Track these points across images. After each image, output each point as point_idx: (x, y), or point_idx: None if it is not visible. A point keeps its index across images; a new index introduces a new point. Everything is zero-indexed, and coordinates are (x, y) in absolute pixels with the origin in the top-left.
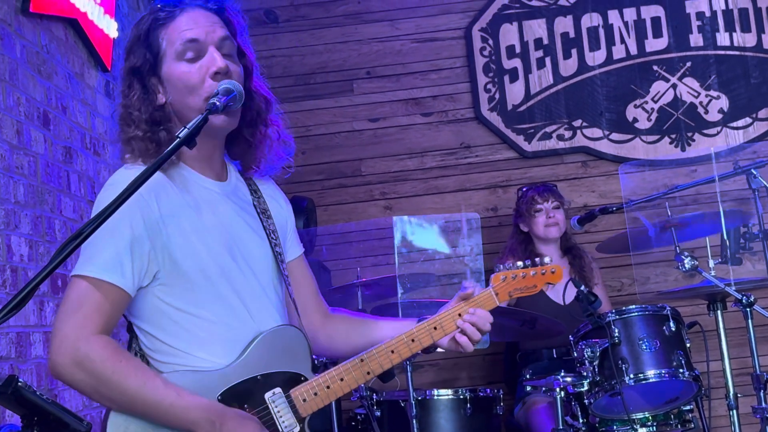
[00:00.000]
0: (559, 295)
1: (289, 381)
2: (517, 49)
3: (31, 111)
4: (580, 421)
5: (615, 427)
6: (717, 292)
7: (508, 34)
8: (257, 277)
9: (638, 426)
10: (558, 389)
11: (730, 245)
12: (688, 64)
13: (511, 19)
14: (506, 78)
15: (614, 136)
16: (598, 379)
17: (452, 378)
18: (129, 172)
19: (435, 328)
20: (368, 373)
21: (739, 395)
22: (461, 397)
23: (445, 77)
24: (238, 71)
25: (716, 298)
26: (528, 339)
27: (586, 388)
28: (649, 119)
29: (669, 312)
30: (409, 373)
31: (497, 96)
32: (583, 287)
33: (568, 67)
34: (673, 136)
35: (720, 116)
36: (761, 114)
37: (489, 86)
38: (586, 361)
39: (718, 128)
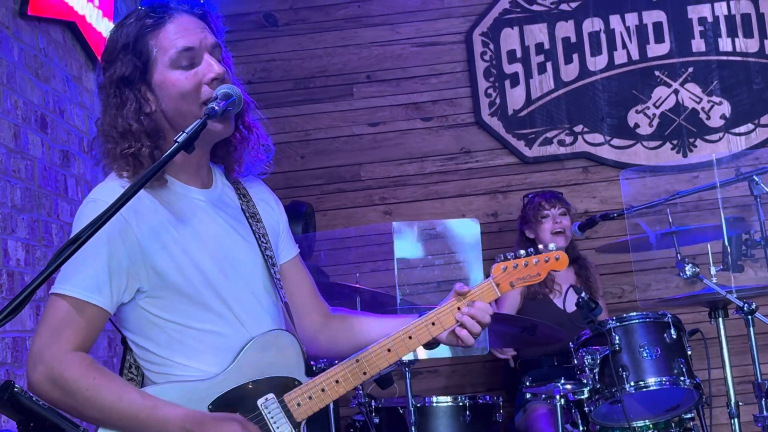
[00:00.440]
0: (561, 303)
1: (282, 386)
2: (518, 54)
3: (28, 114)
4: (580, 428)
5: None
6: (718, 299)
7: (509, 39)
8: (247, 284)
9: None
10: (558, 396)
11: (732, 252)
12: (690, 69)
13: (512, 24)
14: (507, 83)
15: (615, 141)
16: (598, 386)
17: (451, 385)
18: (113, 183)
19: (433, 324)
20: (364, 373)
21: (740, 403)
22: (460, 404)
23: (445, 82)
24: (229, 76)
25: (718, 305)
26: (528, 346)
27: (586, 395)
28: (650, 125)
29: (670, 319)
30: (408, 380)
31: (498, 101)
32: (583, 294)
33: (569, 72)
34: (675, 142)
35: (722, 122)
36: (763, 120)
37: (489, 91)
38: (587, 369)
39: (720, 134)
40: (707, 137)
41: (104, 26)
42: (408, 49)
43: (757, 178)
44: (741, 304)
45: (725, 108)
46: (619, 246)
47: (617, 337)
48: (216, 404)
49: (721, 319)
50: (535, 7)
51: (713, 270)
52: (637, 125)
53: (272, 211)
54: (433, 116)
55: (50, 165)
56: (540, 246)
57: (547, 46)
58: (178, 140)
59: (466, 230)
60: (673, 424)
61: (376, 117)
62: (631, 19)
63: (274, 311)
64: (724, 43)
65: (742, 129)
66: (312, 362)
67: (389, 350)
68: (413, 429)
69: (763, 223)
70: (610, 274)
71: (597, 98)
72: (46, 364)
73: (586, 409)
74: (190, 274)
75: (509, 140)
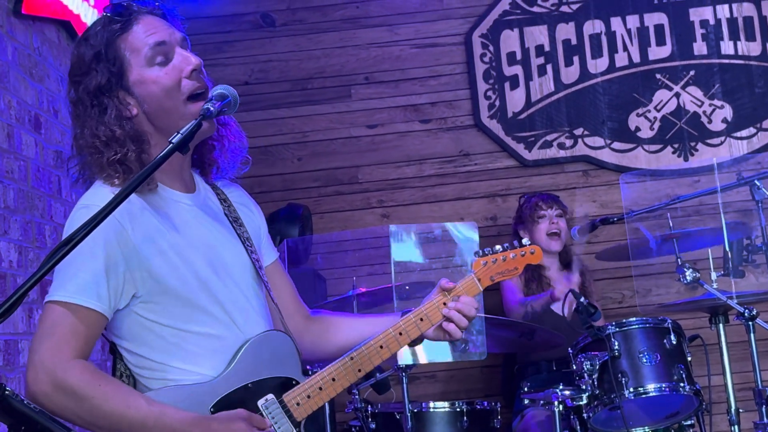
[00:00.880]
0: (558, 307)
1: (281, 386)
2: (518, 56)
3: (22, 114)
4: None
5: None
6: (719, 305)
7: (509, 41)
8: (239, 287)
9: None
10: (556, 402)
11: (733, 257)
12: (692, 72)
13: (512, 26)
14: (507, 85)
15: (616, 145)
16: (597, 392)
17: (449, 390)
18: (104, 189)
19: (421, 319)
20: (359, 370)
21: (740, 410)
22: (458, 409)
23: (444, 84)
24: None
25: (718, 311)
26: (527, 351)
27: (585, 401)
28: (651, 128)
29: (670, 325)
30: (404, 385)
31: (497, 103)
32: (582, 299)
33: (569, 74)
34: (676, 145)
35: (724, 126)
36: (765, 124)
37: (489, 93)
38: (585, 374)
39: (722, 138)
40: (709, 141)
41: None
42: (407, 50)
43: (758, 183)
44: (742, 309)
45: (727, 112)
46: (619, 251)
47: (616, 343)
48: (218, 407)
49: (721, 325)
50: (535, 9)
51: (714, 275)
52: (637, 129)
53: (253, 216)
54: (431, 118)
55: (44, 166)
56: (515, 241)
57: (547, 48)
58: (173, 141)
59: (465, 234)
60: (672, 431)
61: (374, 119)
62: (633, 21)
63: (265, 313)
64: (726, 47)
65: (744, 133)
66: (308, 367)
67: (381, 347)
68: None
69: (765, 228)
70: (610, 279)
71: (597, 101)
72: (49, 374)
73: (584, 415)
74: (186, 278)
75: (509, 143)
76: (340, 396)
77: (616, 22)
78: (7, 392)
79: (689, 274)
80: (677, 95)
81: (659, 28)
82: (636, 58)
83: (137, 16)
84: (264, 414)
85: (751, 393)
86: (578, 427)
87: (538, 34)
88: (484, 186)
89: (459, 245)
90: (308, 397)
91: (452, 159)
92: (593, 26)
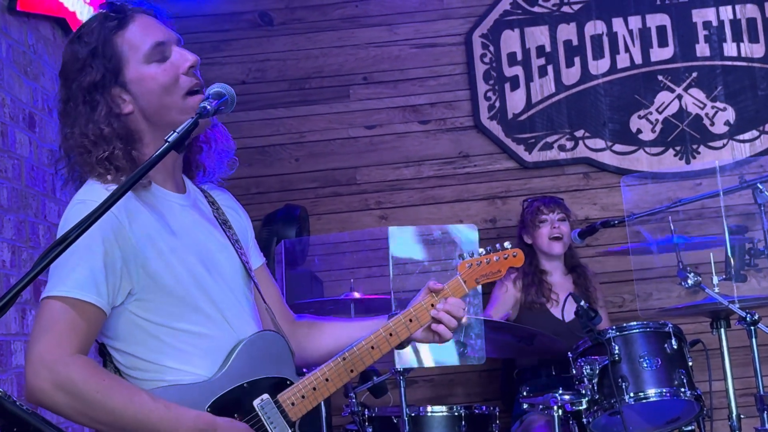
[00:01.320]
0: (559, 312)
1: (276, 386)
2: (519, 57)
3: (16, 112)
4: None
5: None
6: (720, 309)
7: (510, 41)
8: (230, 288)
9: None
10: (556, 407)
11: (735, 262)
12: (694, 74)
13: (512, 26)
14: (507, 86)
15: (617, 147)
16: (597, 397)
17: (447, 394)
18: (99, 186)
19: (410, 321)
20: (352, 371)
21: (742, 416)
22: (456, 414)
23: (444, 84)
24: None
25: (720, 315)
26: (526, 355)
27: (584, 406)
28: (653, 130)
29: (671, 329)
30: (402, 389)
31: (497, 104)
32: (582, 302)
33: (570, 75)
34: (678, 148)
35: (726, 128)
36: None
37: (489, 94)
38: (585, 379)
39: (724, 141)
40: (711, 144)
41: None
42: (406, 50)
43: (761, 186)
44: (744, 314)
45: (729, 114)
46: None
47: (617, 347)
48: (214, 406)
49: (723, 330)
50: (536, 9)
51: (715, 279)
52: (639, 131)
53: (240, 219)
54: (431, 119)
55: (38, 165)
56: (497, 244)
57: (548, 48)
58: (169, 139)
59: (464, 236)
60: None
61: (373, 119)
62: (635, 22)
63: (256, 314)
64: (729, 48)
65: (747, 136)
66: (305, 369)
67: (372, 347)
68: None
69: (767, 232)
70: (611, 283)
71: (599, 103)
72: (50, 369)
73: (584, 420)
74: (181, 276)
75: (509, 144)
76: (337, 399)
77: (617, 23)
78: None
79: (691, 278)
80: (679, 97)
81: (661, 29)
82: (638, 60)
83: (133, 15)
84: (260, 414)
85: (752, 399)
86: None
87: (539, 35)
88: (483, 188)
89: (458, 247)
90: (303, 397)
91: (451, 160)
92: (595, 27)
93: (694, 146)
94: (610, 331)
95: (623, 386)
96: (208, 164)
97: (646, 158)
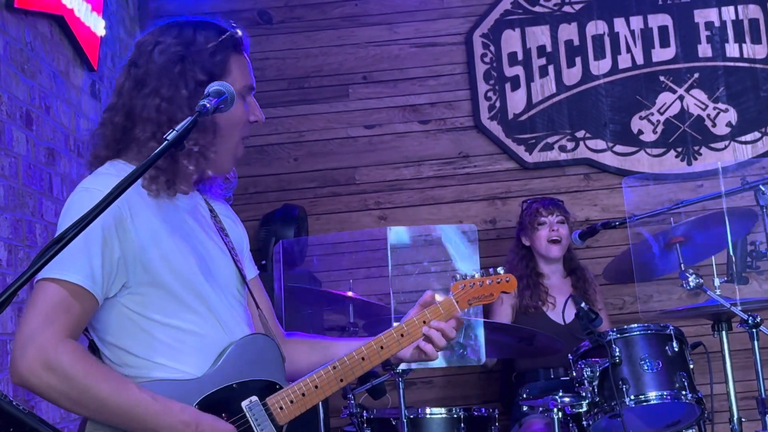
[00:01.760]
0: (558, 315)
1: (265, 389)
2: (520, 57)
3: (13, 110)
4: None
5: None
6: (722, 311)
7: (510, 41)
8: (224, 291)
9: None
10: (555, 410)
11: (737, 263)
12: (696, 75)
13: (513, 25)
14: (507, 86)
15: (618, 148)
16: (597, 399)
17: (446, 396)
18: (107, 177)
19: (402, 335)
20: (341, 380)
21: (743, 420)
22: (455, 416)
23: (444, 84)
24: None
25: (721, 318)
26: (526, 357)
27: (584, 409)
28: (654, 131)
29: (672, 331)
30: (401, 391)
31: (498, 104)
32: (583, 304)
33: (571, 75)
34: (680, 149)
35: (728, 130)
36: None
37: (489, 94)
38: (586, 381)
39: (726, 142)
40: (712, 145)
41: (93, 21)
42: (406, 49)
43: (763, 188)
44: (745, 316)
45: (731, 115)
46: (625, 269)
47: (617, 349)
48: (202, 404)
49: (724, 332)
50: (537, 9)
51: (717, 281)
52: (640, 132)
53: (238, 230)
54: (430, 119)
55: (35, 163)
56: (490, 269)
57: (549, 48)
58: (168, 138)
59: (464, 237)
60: None
61: (372, 119)
62: (636, 22)
63: (249, 319)
64: (731, 49)
65: (749, 137)
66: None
67: (363, 359)
68: None
69: None
70: (610, 285)
71: (600, 103)
72: (39, 349)
73: (584, 422)
74: (177, 273)
75: (509, 145)
76: (336, 401)
77: (619, 23)
78: None
79: (692, 280)
80: (681, 98)
81: (663, 30)
82: (639, 60)
83: (243, 52)
84: (247, 415)
85: (753, 402)
86: None
87: (540, 35)
88: (483, 188)
89: (458, 248)
90: (291, 402)
91: (451, 161)
92: (596, 27)
93: (696, 147)
94: (610, 333)
95: (624, 389)
96: (206, 190)
97: (647, 159)
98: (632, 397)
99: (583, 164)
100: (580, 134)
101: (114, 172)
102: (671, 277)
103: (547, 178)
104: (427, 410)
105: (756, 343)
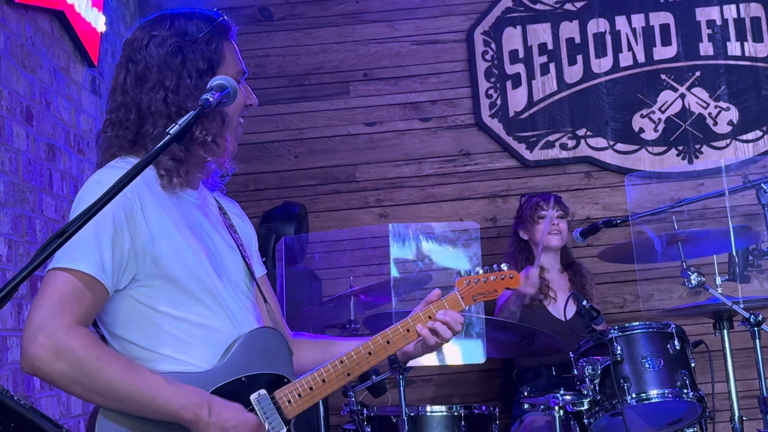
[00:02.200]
0: (560, 311)
1: (273, 382)
2: (521, 54)
3: (13, 105)
4: None
5: None
6: (723, 310)
7: (512, 39)
8: (234, 285)
9: None
10: (557, 408)
11: (738, 262)
12: (698, 73)
13: (514, 23)
14: (508, 84)
15: (619, 146)
16: (598, 397)
17: (446, 394)
18: (113, 172)
19: (408, 330)
20: (348, 374)
21: (744, 418)
22: (455, 414)
23: (445, 81)
24: None
25: (723, 316)
26: (527, 355)
27: (586, 407)
28: (655, 130)
29: (674, 330)
30: (401, 388)
31: (499, 102)
32: (585, 302)
33: (573, 73)
34: (681, 147)
35: (729, 128)
36: None
37: (490, 92)
38: (587, 379)
39: (727, 141)
40: (714, 144)
41: (93, 17)
42: (407, 47)
43: (765, 186)
44: (747, 315)
45: (733, 114)
46: (623, 254)
47: (619, 348)
48: None
49: (725, 331)
50: (538, 7)
51: (719, 280)
52: (641, 130)
53: (246, 229)
54: (431, 117)
55: (35, 158)
56: (494, 265)
57: (550, 46)
58: (171, 132)
59: (466, 234)
60: None
61: (373, 116)
62: (638, 20)
63: (258, 314)
64: (733, 47)
65: (750, 136)
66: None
67: (370, 353)
68: None
69: None
70: (612, 283)
71: (601, 101)
72: (49, 335)
73: (585, 421)
74: (187, 267)
75: (510, 143)
76: (336, 398)
77: (620, 21)
78: None
79: (694, 279)
80: (682, 96)
81: (665, 28)
82: (641, 58)
83: (231, 36)
84: (256, 408)
85: (755, 401)
86: None
87: (542, 32)
88: (484, 186)
89: (459, 246)
90: (299, 396)
91: (452, 158)
92: (597, 25)
93: (697, 146)
94: (612, 331)
95: (625, 387)
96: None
97: (648, 158)
98: (633, 395)
99: (583, 162)
100: (581, 132)
101: (126, 166)
102: (672, 275)
103: (548, 176)
104: (428, 408)
105: (757, 341)
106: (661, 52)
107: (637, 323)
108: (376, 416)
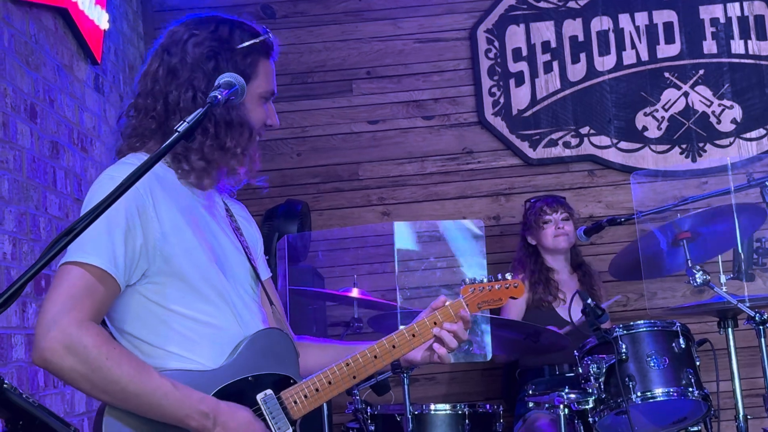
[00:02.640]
0: (566, 312)
1: (279, 383)
2: (524, 52)
3: (17, 103)
4: None
5: None
6: (728, 308)
7: (515, 36)
8: (240, 286)
9: None
10: (561, 406)
11: (744, 260)
12: (701, 71)
13: (518, 21)
14: (512, 82)
15: (623, 144)
16: (603, 396)
17: (450, 393)
18: (126, 168)
19: (413, 335)
20: (354, 377)
21: (749, 417)
22: (459, 412)
23: (447, 79)
24: None
25: (727, 315)
26: (532, 354)
27: (590, 405)
28: (659, 128)
29: (679, 328)
30: (405, 387)
31: (502, 100)
32: (590, 300)
33: (576, 71)
34: (684, 146)
35: (733, 127)
36: None
37: (493, 90)
38: (592, 378)
39: (731, 139)
40: (717, 142)
41: (97, 14)
42: (410, 45)
43: None
44: (752, 313)
45: (736, 112)
46: (629, 259)
47: (624, 346)
48: (217, 396)
49: (730, 330)
50: (542, 4)
51: (723, 278)
52: (645, 128)
53: (253, 232)
54: (434, 115)
55: (39, 156)
56: (499, 274)
57: (553, 44)
58: (179, 129)
59: (470, 232)
60: None
61: (376, 114)
62: (641, 18)
63: (264, 315)
64: (737, 45)
65: (754, 134)
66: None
67: (376, 357)
68: None
69: None
70: (615, 282)
71: (604, 99)
72: (62, 330)
73: (590, 419)
74: (196, 265)
75: (513, 141)
76: (340, 397)
77: (624, 19)
78: (5, 386)
79: (699, 277)
80: (686, 94)
81: (668, 26)
82: (644, 56)
83: (272, 55)
84: (262, 408)
85: (760, 399)
86: None
87: (545, 30)
88: (487, 185)
89: (464, 244)
90: (305, 397)
91: (455, 156)
92: (601, 23)
93: (701, 144)
94: (617, 329)
95: (630, 385)
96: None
97: (652, 156)
98: (638, 393)
99: (587, 161)
100: (584, 130)
101: (138, 163)
102: (677, 273)
103: (551, 174)
104: (432, 406)
105: (762, 340)
106: (665, 50)
107: (642, 322)
108: (380, 414)
